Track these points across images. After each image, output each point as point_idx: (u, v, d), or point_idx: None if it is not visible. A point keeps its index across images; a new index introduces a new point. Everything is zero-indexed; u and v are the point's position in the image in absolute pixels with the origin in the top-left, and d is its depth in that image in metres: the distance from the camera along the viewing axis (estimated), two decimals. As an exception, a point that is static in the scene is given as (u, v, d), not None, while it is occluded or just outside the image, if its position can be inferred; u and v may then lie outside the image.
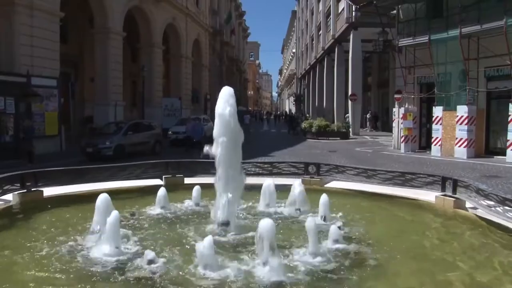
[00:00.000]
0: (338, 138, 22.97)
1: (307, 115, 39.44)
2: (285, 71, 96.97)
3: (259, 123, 47.58)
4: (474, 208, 4.80)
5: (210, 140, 4.06)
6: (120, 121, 17.49)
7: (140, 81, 23.62)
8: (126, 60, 22.97)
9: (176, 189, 5.99)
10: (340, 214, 4.84)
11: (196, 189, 5.27)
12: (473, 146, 14.01)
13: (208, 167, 6.21)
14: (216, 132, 4.14)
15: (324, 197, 4.52)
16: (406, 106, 16.46)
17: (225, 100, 4.18)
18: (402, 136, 16.47)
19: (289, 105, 77.11)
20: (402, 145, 16.46)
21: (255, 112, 67.10)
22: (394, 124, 17.65)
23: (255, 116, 56.89)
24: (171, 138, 18.44)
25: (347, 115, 28.35)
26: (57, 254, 3.57)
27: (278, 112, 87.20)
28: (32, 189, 5.37)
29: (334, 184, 6.42)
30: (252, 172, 6.66)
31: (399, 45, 16.32)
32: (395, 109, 17.60)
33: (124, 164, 6.55)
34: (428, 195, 5.40)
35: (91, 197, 4.47)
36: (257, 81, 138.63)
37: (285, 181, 6.09)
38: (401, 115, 16.56)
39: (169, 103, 24.93)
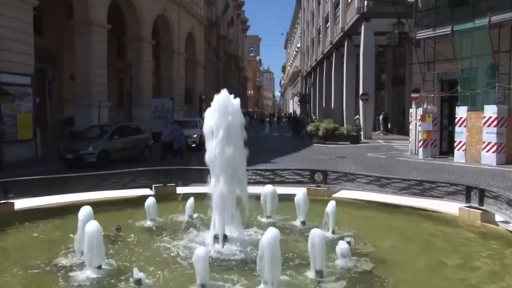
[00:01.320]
0: (348, 143, 22.99)
1: (313, 117, 39.52)
2: (288, 68, 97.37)
3: (260, 125, 47.63)
4: (506, 222, 4.67)
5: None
6: (105, 124, 17.52)
7: (127, 79, 23.74)
8: (112, 56, 22.97)
9: (167, 199, 6.01)
10: (350, 227, 4.82)
11: (190, 199, 5.27)
12: (503, 151, 13.48)
13: (203, 174, 6.26)
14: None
15: (331, 206, 4.51)
16: (425, 106, 16.36)
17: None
18: (420, 140, 16.35)
19: (293, 106, 77.30)
20: (420, 150, 16.34)
21: (256, 114, 67.28)
22: (411, 127, 17.57)
23: (256, 118, 57.00)
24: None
25: (357, 116, 28.40)
26: (31, 279, 3.47)
27: (282, 114, 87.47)
28: (1, 201, 5.27)
29: (343, 194, 6.42)
30: (252, 180, 6.68)
31: (417, 37, 16.11)
32: (412, 110, 17.50)
33: (109, 172, 6.56)
34: (451, 207, 5.34)
35: (71, 209, 4.46)
36: (257, 79, 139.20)
37: (289, 190, 6.09)
38: (419, 117, 16.44)
39: (159, 104, 25.00)
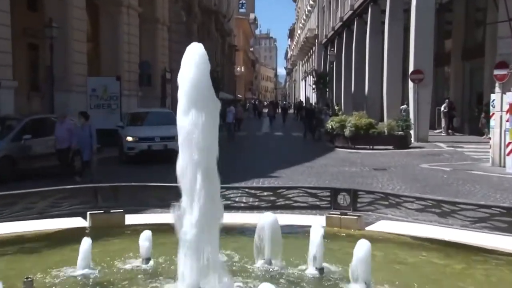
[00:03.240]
0: (391, 147, 23.18)
1: (337, 107, 39.76)
2: (299, 32, 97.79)
3: (257, 120, 47.75)
4: None
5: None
6: (9, 115, 17.20)
7: (45, 47, 23.57)
8: (19, 8, 22.82)
9: (111, 234, 6.02)
10: (392, 280, 4.80)
11: (145, 234, 5.25)
12: None
13: (165, 194, 6.26)
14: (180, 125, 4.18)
15: (362, 248, 4.49)
16: (518, 89, 16.09)
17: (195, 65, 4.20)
18: (509, 143, 16.07)
19: (306, 91, 77.41)
20: (509, 159, 16.11)
21: (249, 103, 67.45)
22: (493, 123, 17.29)
23: (248, 109, 56.97)
24: (130, 151, 19.35)
25: (404, 106, 28.48)
26: None
27: (288, 102, 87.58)
28: None
29: (383, 226, 6.45)
30: (242, 205, 6.72)
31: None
32: (495, 96, 17.30)
33: (14, 192, 6.46)
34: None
35: None
36: (251, 49, 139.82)
37: (299, 219, 6.06)
38: (506, 107, 16.09)
39: (99, 85, 25.05)
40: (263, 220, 5.12)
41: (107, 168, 17.05)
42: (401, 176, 15.32)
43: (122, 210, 6.62)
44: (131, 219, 6.58)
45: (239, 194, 6.77)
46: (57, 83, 22.99)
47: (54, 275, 4.95)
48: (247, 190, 6.90)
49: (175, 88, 28.95)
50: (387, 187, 13.27)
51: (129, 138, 19.34)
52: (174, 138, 18.23)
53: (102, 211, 6.55)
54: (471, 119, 30.16)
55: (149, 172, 15.40)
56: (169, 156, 17.32)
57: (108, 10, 28.24)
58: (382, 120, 27.25)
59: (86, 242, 5.04)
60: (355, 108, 32.18)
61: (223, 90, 60.02)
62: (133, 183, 7.15)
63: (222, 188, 6.53)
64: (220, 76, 54.15)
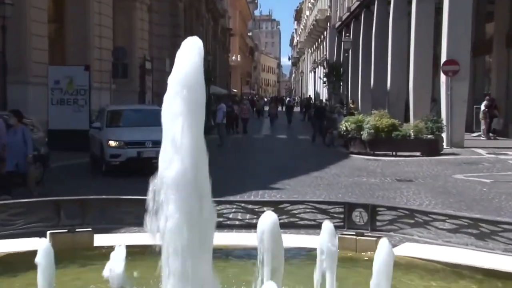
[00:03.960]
0: (418, 154, 23.26)
1: (352, 105, 39.79)
2: (307, 14, 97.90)
3: (255, 120, 47.78)
4: None
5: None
6: None
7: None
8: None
9: (77, 258, 6.01)
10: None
11: (117, 256, 5.22)
12: None
13: (144, 209, 6.23)
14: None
15: (382, 273, 4.47)
16: None
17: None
18: None
19: (315, 85, 77.56)
20: None
21: (246, 99, 67.43)
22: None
23: (248, 106, 56.73)
24: (113, 160, 18.56)
25: (432, 103, 28.41)
26: None
27: (293, 99, 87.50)
28: None
29: (408, 250, 6.45)
30: (237, 223, 6.73)
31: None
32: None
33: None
34: None
35: None
36: (249, 33, 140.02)
37: (305, 240, 6.05)
38: None
39: (63, 76, 25.01)
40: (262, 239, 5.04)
41: (74, 180, 17.06)
42: (430, 189, 15.31)
43: (90, 229, 6.60)
44: (101, 239, 6.54)
45: (233, 210, 6.75)
46: (10, 74, 22.95)
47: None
48: (243, 205, 6.86)
49: (158, 80, 29.15)
50: (413, 202, 13.27)
51: (112, 143, 18.68)
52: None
53: (65, 230, 6.52)
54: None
55: (132, 187, 15.29)
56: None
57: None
58: (407, 120, 27.25)
59: (45, 268, 5.00)
60: (375, 106, 32.10)
61: (215, 83, 60.11)
62: (104, 196, 7.14)
63: (213, 202, 6.61)
64: (211, 67, 54.20)
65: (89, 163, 20.25)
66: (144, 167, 17.59)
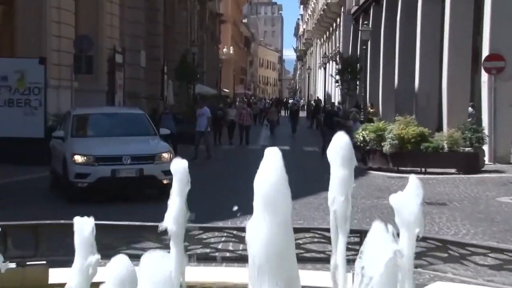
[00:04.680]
0: (453, 170, 23.39)
1: (371, 109, 39.82)
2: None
3: (253, 126, 47.72)
4: None
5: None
6: None
7: None
8: None
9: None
10: None
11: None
12: None
13: (111, 237, 6.23)
14: None
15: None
16: None
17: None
18: None
19: (326, 84, 77.61)
20: None
21: (240, 100, 67.41)
22: None
23: (249, 111, 56.45)
24: (79, 181, 17.70)
25: (471, 110, 28.38)
26: None
27: (295, 101, 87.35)
28: None
29: (440, 291, 6.40)
30: (228, 255, 6.77)
31: None
32: None
33: None
34: None
35: None
36: (244, 20, 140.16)
37: (313, 278, 6.19)
38: None
39: (12, 71, 25.05)
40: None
41: (25, 201, 16.98)
42: (469, 215, 15.28)
43: (44, 262, 6.59)
44: (58, 275, 6.49)
45: (223, 239, 6.78)
46: None
47: None
48: (235, 232, 6.86)
49: (131, 77, 28.95)
50: (447, 231, 13.25)
51: (79, 158, 17.55)
52: (154, 158, 17.82)
53: (13, 264, 6.50)
54: None
55: (100, 210, 15.20)
56: (146, 187, 17.57)
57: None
58: (440, 129, 27.26)
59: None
60: (399, 110, 32.10)
61: (202, 81, 60.12)
62: (62, 221, 7.11)
63: (199, 228, 6.59)
64: (197, 61, 54.28)
65: (50, 181, 19.67)
66: (120, 190, 17.59)
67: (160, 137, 18.96)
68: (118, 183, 17.54)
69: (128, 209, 14.72)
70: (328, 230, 7.00)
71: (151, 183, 17.48)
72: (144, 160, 17.37)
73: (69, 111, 21.42)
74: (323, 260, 6.68)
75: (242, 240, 6.81)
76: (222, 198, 16.88)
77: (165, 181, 16.22)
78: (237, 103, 53.14)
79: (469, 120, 26.53)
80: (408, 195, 5.02)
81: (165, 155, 17.65)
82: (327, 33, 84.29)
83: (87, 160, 17.63)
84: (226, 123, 39.28)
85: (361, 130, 26.09)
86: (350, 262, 6.58)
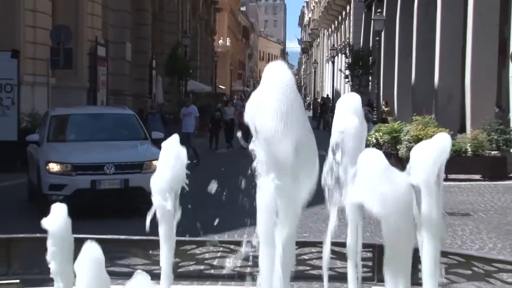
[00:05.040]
0: (478, 176, 23.52)
1: (385, 108, 39.93)
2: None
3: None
4: None
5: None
6: None
7: None
8: None
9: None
10: None
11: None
12: None
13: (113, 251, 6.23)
14: None
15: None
16: None
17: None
18: None
19: (334, 80, 77.64)
20: None
21: (239, 99, 67.39)
22: None
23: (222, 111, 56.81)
24: (53, 193, 16.97)
25: (496, 109, 28.38)
26: None
27: (305, 98, 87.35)
28: None
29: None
30: (223, 272, 6.66)
31: None
32: None
33: None
34: None
35: None
36: (243, 8, 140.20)
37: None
38: None
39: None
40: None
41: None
42: (495, 227, 15.26)
43: (18, 281, 6.60)
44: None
45: (218, 254, 6.77)
46: None
47: None
48: (232, 247, 6.87)
49: (115, 72, 28.78)
50: (471, 245, 13.25)
51: (54, 167, 17.00)
52: (142, 166, 17.31)
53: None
54: None
55: (81, 224, 15.15)
56: (132, 200, 17.16)
57: None
58: (462, 130, 27.27)
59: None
60: (417, 110, 32.17)
61: (195, 77, 60.09)
62: (37, 235, 7.11)
63: (190, 243, 6.60)
64: (189, 54, 54.28)
65: (27, 192, 19.10)
66: (101, 204, 16.99)
67: (152, 141, 18.39)
68: (99, 196, 17.06)
69: (112, 222, 14.78)
70: (337, 244, 7.01)
71: (138, 196, 16.14)
72: (130, 169, 16.90)
73: (48, 111, 21.06)
74: (332, 278, 6.67)
75: (240, 255, 6.81)
76: (219, 206, 16.89)
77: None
78: (234, 101, 53.23)
79: (495, 120, 26.50)
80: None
81: (156, 163, 16.54)
82: (336, 22, 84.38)
83: (63, 168, 17.10)
84: (224, 124, 39.25)
85: (373, 131, 26.12)
86: (364, 281, 6.60)
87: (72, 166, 16.96)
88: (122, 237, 6.89)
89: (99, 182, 16.77)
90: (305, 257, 6.69)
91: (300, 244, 6.99)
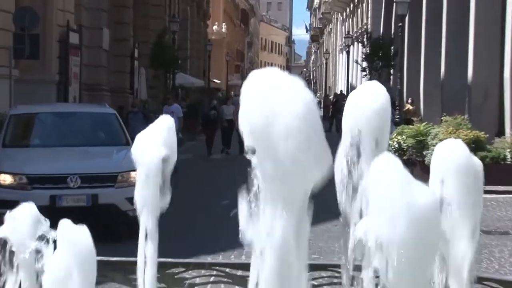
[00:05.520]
0: (519, 185, 23.47)
1: (410, 106, 39.85)
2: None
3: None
4: None
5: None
6: None
7: None
8: None
9: None
10: None
11: None
12: None
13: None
14: None
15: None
16: None
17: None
18: None
19: (349, 73, 77.88)
20: None
21: (236, 95, 67.62)
22: None
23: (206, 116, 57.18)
24: (3, 211, 16.55)
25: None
26: None
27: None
28: None
29: None
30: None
31: None
32: None
33: None
34: None
35: None
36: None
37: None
38: None
39: None
40: None
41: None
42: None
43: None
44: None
45: (212, 278, 6.81)
46: None
47: None
48: (227, 270, 6.88)
49: (90, 63, 28.70)
50: (511, 269, 13.25)
51: (6, 179, 16.36)
52: (115, 179, 16.77)
53: None
54: None
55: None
56: (103, 220, 16.77)
57: None
58: (501, 133, 27.32)
59: None
60: (446, 109, 32.27)
61: (185, 69, 60.12)
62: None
63: (179, 265, 6.59)
64: (178, 42, 54.30)
65: None
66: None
67: None
68: (60, 215, 15.80)
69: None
70: (353, 267, 6.98)
71: (110, 215, 16.14)
72: (101, 182, 16.28)
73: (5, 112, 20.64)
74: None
75: (237, 280, 6.81)
76: (216, 222, 16.93)
77: (131, 213, 14.12)
78: (233, 98, 53.25)
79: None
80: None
81: (134, 174, 15.17)
82: (351, 5, 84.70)
83: (16, 181, 16.43)
84: (222, 125, 39.15)
85: (395, 134, 26.14)
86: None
87: (27, 178, 16.27)
88: (98, 258, 6.88)
89: (60, 198, 16.06)
90: (315, 282, 6.67)
91: (309, 267, 6.96)
